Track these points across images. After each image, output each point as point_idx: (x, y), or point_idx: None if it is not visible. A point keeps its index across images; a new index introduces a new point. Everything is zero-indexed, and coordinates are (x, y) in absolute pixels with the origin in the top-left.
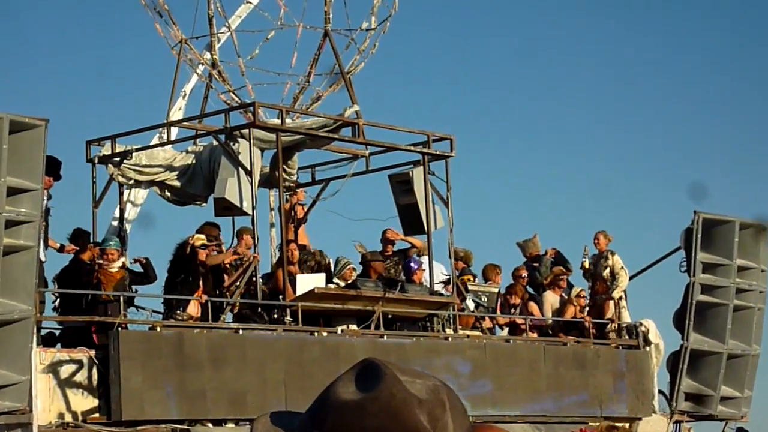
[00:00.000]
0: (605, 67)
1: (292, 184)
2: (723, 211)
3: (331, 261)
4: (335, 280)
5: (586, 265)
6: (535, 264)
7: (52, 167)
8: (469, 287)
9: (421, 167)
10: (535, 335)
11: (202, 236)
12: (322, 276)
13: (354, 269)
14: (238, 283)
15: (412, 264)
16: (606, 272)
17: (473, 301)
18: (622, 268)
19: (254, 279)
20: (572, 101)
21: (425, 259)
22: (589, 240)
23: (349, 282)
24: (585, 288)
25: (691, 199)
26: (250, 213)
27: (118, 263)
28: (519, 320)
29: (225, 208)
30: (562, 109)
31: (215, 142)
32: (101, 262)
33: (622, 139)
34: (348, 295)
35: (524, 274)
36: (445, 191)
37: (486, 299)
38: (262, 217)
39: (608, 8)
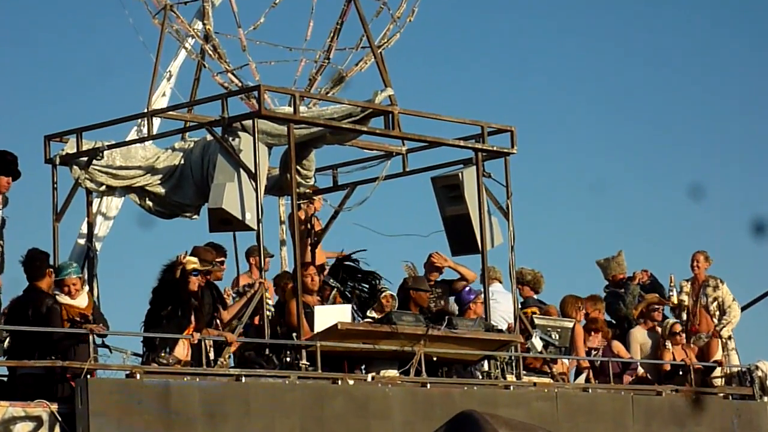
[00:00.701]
0: (701, 56)
1: (308, 191)
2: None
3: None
4: (369, 312)
5: (675, 300)
6: (620, 290)
7: (6, 164)
8: (536, 321)
9: (474, 167)
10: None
11: (194, 259)
12: (346, 307)
13: (393, 297)
14: (240, 318)
15: (467, 294)
16: (714, 305)
17: (541, 339)
18: (734, 300)
19: (261, 312)
20: (669, 82)
21: (496, 288)
22: (680, 263)
23: (383, 315)
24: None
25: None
26: (255, 227)
27: (83, 295)
28: (600, 362)
29: (222, 221)
30: (654, 92)
31: (209, 137)
32: (60, 299)
33: (738, 132)
34: (381, 332)
35: (590, 310)
36: (504, 198)
37: (558, 336)
38: (271, 233)
39: None
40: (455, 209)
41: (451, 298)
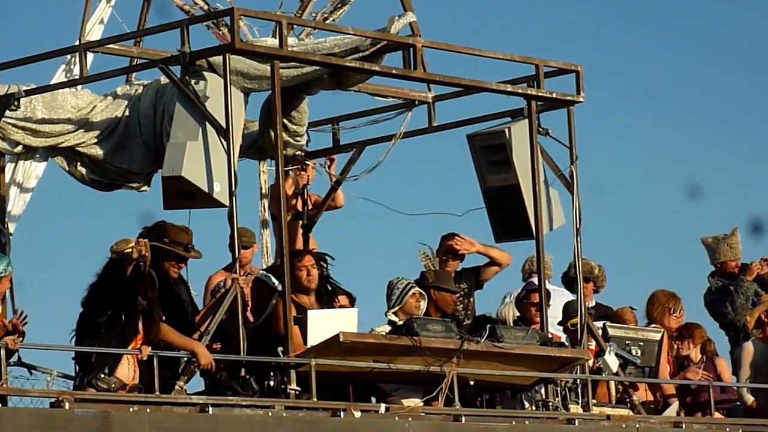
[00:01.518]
0: None
1: (299, 153)
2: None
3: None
4: (390, 315)
5: None
6: (731, 284)
7: None
8: (611, 332)
9: (525, 121)
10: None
11: (131, 239)
12: (351, 312)
13: (423, 296)
14: (208, 328)
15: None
16: None
17: (617, 355)
18: None
19: (235, 318)
20: None
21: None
22: None
23: (404, 322)
24: None
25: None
26: (227, 203)
27: None
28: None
29: (182, 194)
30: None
31: (164, 79)
32: None
33: None
34: (398, 347)
35: (678, 308)
36: (567, 164)
37: (640, 352)
38: (248, 211)
39: None
40: (500, 178)
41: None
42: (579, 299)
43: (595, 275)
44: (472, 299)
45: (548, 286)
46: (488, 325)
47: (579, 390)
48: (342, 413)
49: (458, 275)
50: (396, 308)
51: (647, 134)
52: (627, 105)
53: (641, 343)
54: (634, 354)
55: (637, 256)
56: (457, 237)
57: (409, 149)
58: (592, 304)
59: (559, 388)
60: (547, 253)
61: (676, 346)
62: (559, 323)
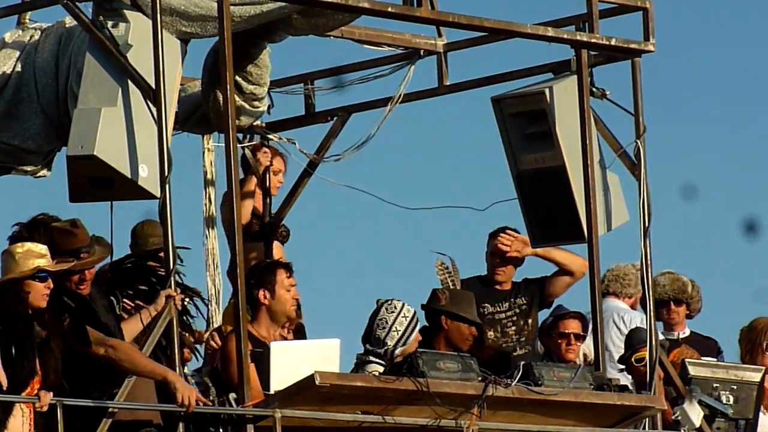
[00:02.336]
0: None
1: (258, 125)
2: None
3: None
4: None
5: None
6: None
7: None
8: (692, 371)
9: (573, 79)
10: None
11: (42, 248)
12: (332, 344)
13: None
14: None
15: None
16: None
17: (701, 403)
18: None
19: (170, 350)
20: None
21: (614, 304)
22: None
23: (403, 359)
24: None
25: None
26: (157, 193)
27: None
28: None
29: (95, 180)
30: None
31: (69, 21)
32: None
33: None
34: (395, 393)
35: None
36: (631, 138)
37: (732, 399)
38: (187, 203)
39: None
40: (539, 158)
41: None
42: (648, 323)
43: (689, 295)
44: (530, 320)
45: (623, 307)
46: (522, 363)
47: None
48: None
49: (516, 287)
50: (400, 348)
51: (737, 96)
52: (715, 56)
53: (734, 387)
54: (724, 401)
55: (728, 269)
56: (503, 233)
57: (413, 118)
58: (686, 333)
59: None
60: (630, 263)
61: None
62: (621, 359)
